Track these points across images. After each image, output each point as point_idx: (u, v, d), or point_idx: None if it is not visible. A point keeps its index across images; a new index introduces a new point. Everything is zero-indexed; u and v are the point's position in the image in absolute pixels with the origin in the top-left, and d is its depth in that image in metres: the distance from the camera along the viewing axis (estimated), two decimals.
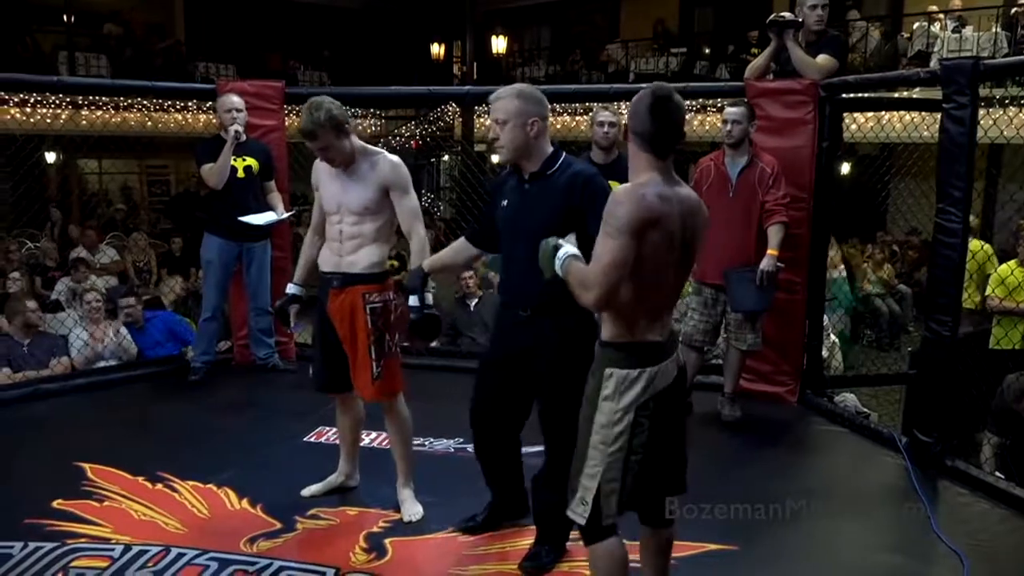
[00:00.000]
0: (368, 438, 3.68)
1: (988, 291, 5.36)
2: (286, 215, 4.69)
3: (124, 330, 5.21)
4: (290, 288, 3.20)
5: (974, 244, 5.82)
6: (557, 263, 2.16)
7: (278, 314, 3.29)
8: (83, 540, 2.86)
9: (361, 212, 2.92)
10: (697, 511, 2.55)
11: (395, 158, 2.99)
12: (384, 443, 3.67)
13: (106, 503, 3.15)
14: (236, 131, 4.42)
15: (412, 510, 3.07)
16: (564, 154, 2.66)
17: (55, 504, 3.09)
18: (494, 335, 2.91)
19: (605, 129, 4.00)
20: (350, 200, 2.92)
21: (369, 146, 3.01)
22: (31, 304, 4.94)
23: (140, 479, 3.33)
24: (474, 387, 2.83)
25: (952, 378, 3.56)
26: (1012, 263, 5.34)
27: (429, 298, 2.89)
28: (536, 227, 2.56)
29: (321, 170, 3.03)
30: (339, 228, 2.96)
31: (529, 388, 2.69)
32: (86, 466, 3.43)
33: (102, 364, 4.96)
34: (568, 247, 2.18)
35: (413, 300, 2.84)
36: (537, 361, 2.64)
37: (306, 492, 3.24)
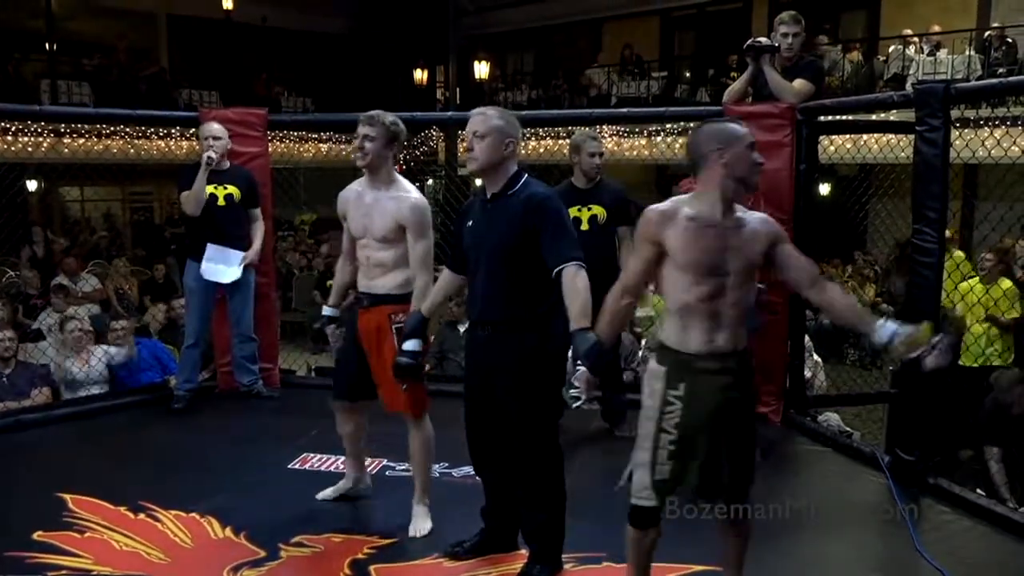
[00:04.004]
0: None
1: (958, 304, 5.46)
2: (245, 260, 4.56)
3: (111, 350, 5.19)
4: (326, 311, 3.37)
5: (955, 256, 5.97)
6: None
7: (317, 336, 3.44)
8: (64, 572, 2.83)
9: (382, 240, 3.05)
10: (680, 532, 2.56)
11: (417, 199, 3.07)
12: (374, 469, 3.66)
13: (87, 534, 3.11)
14: (209, 158, 4.39)
15: (421, 526, 3.11)
16: (526, 176, 2.74)
17: (36, 536, 3.05)
18: (466, 354, 2.97)
19: (597, 161, 4.05)
20: (374, 228, 3.06)
21: (404, 182, 3.11)
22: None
23: (122, 509, 3.30)
24: (463, 408, 2.87)
25: (933, 396, 3.59)
26: (973, 280, 5.45)
27: (420, 344, 2.93)
28: (496, 246, 2.67)
29: (347, 199, 3.18)
30: (366, 254, 3.11)
31: (500, 405, 2.72)
32: (67, 497, 3.39)
33: (83, 393, 4.93)
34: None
35: (409, 345, 2.88)
36: (499, 380, 2.69)
37: (320, 496, 3.37)
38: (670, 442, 2.28)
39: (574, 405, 2.70)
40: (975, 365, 5.30)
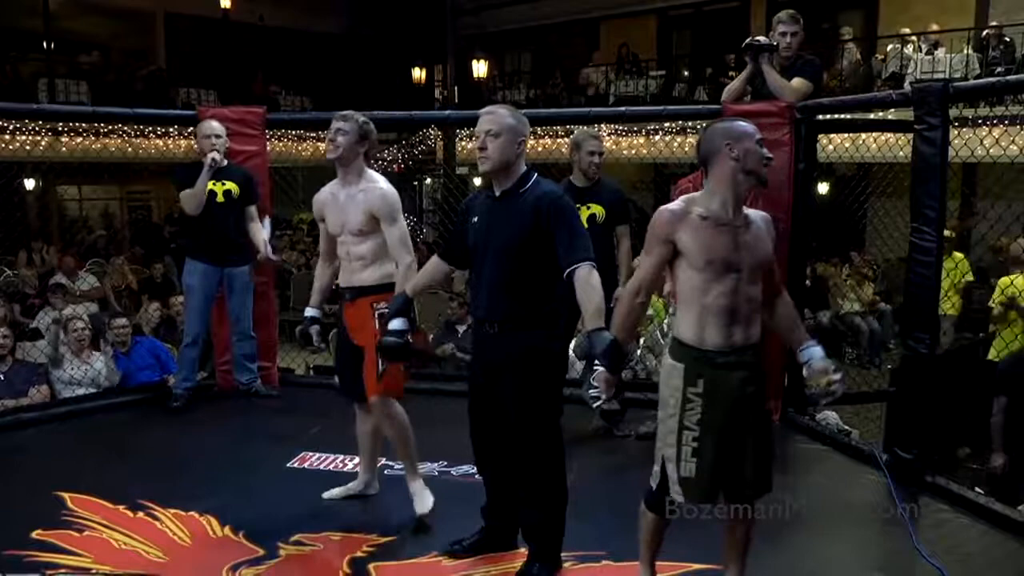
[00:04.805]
0: (351, 462, 3.67)
1: (993, 302, 5.41)
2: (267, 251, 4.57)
3: (110, 352, 5.17)
4: (308, 311, 3.41)
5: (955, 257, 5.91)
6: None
7: (301, 337, 3.45)
8: (63, 571, 2.83)
9: (358, 233, 3.14)
10: (680, 531, 2.56)
11: (385, 188, 3.18)
12: None
13: (86, 533, 3.11)
14: (213, 159, 4.40)
15: (424, 501, 3.15)
16: (535, 175, 2.73)
17: (35, 535, 3.05)
18: (471, 351, 2.98)
19: (596, 160, 4.06)
20: (349, 222, 3.16)
21: (373, 174, 3.23)
22: None
23: (121, 507, 3.30)
24: (467, 406, 2.87)
25: (932, 394, 3.59)
26: (1018, 277, 5.39)
27: (406, 324, 2.93)
28: (504, 243, 2.66)
29: (323, 200, 3.27)
30: (346, 249, 3.21)
31: (505, 403, 2.72)
32: (66, 495, 3.39)
33: (81, 392, 4.92)
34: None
35: (395, 324, 2.90)
36: (504, 377, 2.68)
37: (326, 495, 3.38)
38: (693, 439, 2.30)
39: (594, 405, 2.70)
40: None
